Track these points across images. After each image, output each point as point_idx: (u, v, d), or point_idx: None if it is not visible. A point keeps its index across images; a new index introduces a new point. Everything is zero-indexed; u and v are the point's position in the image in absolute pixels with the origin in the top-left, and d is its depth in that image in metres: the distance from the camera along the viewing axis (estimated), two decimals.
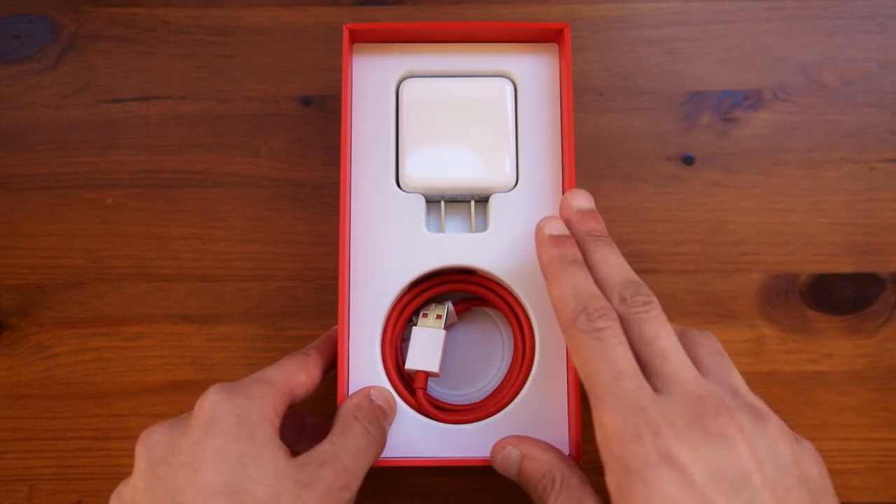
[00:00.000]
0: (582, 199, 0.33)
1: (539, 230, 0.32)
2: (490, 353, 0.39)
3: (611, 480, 0.26)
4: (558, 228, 0.32)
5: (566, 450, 0.35)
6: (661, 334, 0.28)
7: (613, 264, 0.30)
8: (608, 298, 0.29)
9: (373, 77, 0.38)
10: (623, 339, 0.28)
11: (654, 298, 0.29)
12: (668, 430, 0.25)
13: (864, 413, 0.40)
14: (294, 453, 0.29)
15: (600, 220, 0.32)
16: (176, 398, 0.40)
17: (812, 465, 0.27)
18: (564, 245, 0.31)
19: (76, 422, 0.40)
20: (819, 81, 0.42)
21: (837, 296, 0.41)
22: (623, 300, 0.29)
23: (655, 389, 0.27)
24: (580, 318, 0.28)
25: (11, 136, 0.42)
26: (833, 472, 0.39)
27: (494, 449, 0.32)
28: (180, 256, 0.41)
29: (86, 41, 0.43)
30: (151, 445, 0.29)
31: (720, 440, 0.25)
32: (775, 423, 0.27)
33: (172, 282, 0.41)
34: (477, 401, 0.37)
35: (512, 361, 0.37)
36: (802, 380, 0.40)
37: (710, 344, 0.30)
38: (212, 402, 0.29)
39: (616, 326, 0.28)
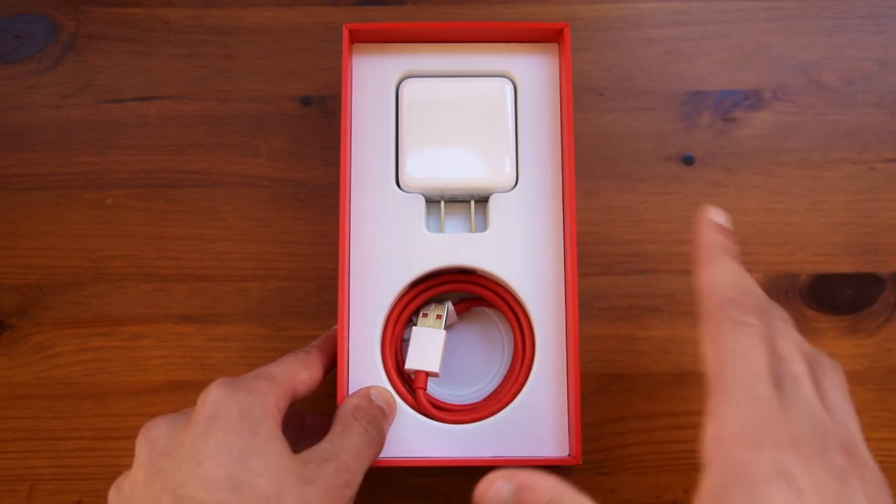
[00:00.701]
0: (721, 217, 0.31)
1: (704, 213, 0.30)
2: (490, 353, 0.39)
3: (710, 479, 0.24)
4: (722, 218, 0.30)
5: (566, 450, 0.35)
6: (799, 357, 0.27)
7: (751, 281, 0.29)
8: None
9: (373, 77, 0.38)
10: (767, 345, 0.26)
11: (792, 321, 0.28)
12: (793, 448, 0.23)
13: (864, 413, 0.39)
14: (294, 452, 0.29)
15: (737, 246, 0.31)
16: (176, 398, 0.40)
17: None
18: (727, 236, 0.29)
19: (76, 422, 0.40)
20: (819, 81, 0.42)
21: (837, 296, 0.41)
22: (766, 310, 0.28)
23: (781, 404, 0.25)
24: (732, 305, 0.26)
25: (11, 136, 0.42)
26: None
27: (481, 485, 0.28)
28: (180, 256, 0.41)
29: (86, 41, 0.43)
30: (153, 439, 0.29)
31: (841, 480, 0.24)
32: (887, 491, 0.25)
33: (172, 282, 0.41)
34: (477, 401, 0.37)
35: (512, 361, 0.37)
36: None
37: (837, 378, 0.28)
38: (215, 397, 0.29)
39: (764, 330, 0.26)
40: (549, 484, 0.27)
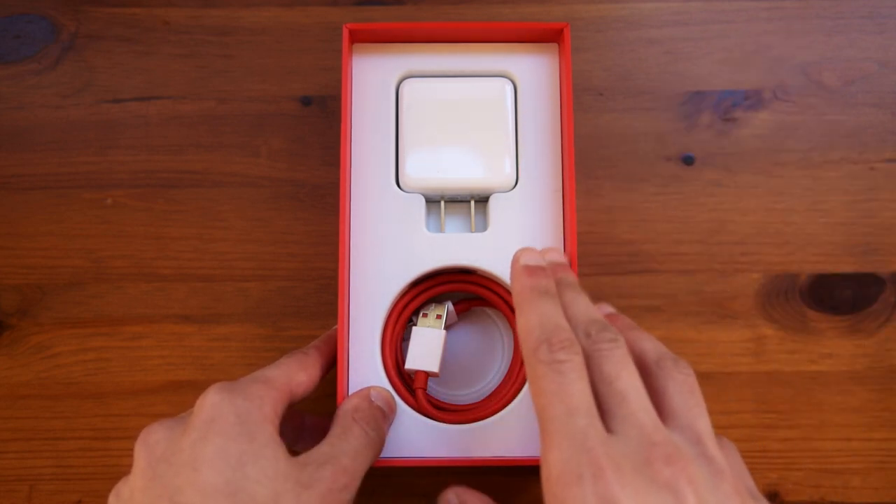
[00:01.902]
0: (555, 254, 0.33)
1: (515, 260, 0.31)
2: (490, 353, 0.39)
3: None
4: (535, 260, 0.31)
5: None
6: (623, 374, 0.27)
7: (581, 305, 0.30)
8: (575, 335, 0.28)
9: (373, 77, 0.38)
10: (584, 374, 0.27)
11: (620, 338, 0.28)
12: (612, 473, 0.24)
13: (863, 413, 0.40)
14: (293, 453, 0.29)
15: (572, 273, 0.32)
16: (176, 398, 0.40)
17: None
18: (539, 275, 0.30)
19: (76, 422, 0.40)
20: (819, 81, 0.42)
21: (837, 296, 0.41)
22: (588, 335, 0.28)
23: (610, 430, 0.26)
24: (542, 347, 0.27)
25: (11, 136, 0.42)
26: (833, 472, 0.39)
27: (438, 500, 0.31)
28: (180, 256, 0.41)
29: (86, 41, 0.43)
30: (151, 444, 0.29)
31: (667, 491, 0.24)
32: (731, 481, 0.26)
33: (172, 282, 0.41)
34: (477, 401, 0.37)
35: (512, 361, 0.37)
36: (802, 380, 0.40)
37: (682, 379, 0.28)
38: (212, 402, 0.29)
39: (578, 361, 0.27)
40: None
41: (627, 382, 0.27)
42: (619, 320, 0.33)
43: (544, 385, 0.26)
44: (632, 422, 0.26)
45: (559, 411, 0.26)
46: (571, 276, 0.32)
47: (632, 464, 0.24)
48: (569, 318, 0.29)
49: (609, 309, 0.35)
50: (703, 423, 0.27)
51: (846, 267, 0.41)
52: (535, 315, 0.28)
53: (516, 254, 0.31)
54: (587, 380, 0.27)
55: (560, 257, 0.33)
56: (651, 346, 0.30)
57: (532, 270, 0.30)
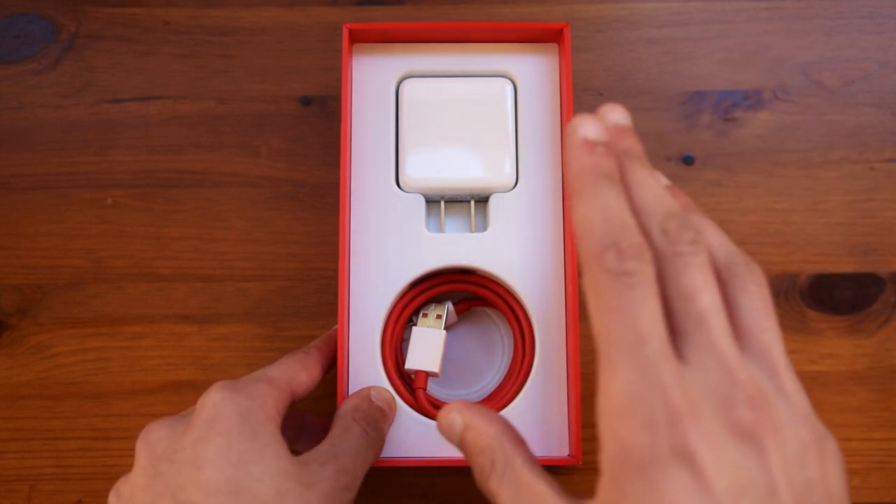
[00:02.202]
0: (618, 114, 0.26)
1: (571, 131, 0.24)
2: (490, 353, 0.39)
3: (605, 463, 0.22)
4: (595, 132, 0.24)
5: (566, 450, 0.35)
6: (705, 290, 0.23)
7: (653, 189, 0.24)
8: (646, 230, 0.23)
9: (373, 77, 0.38)
10: (655, 290, 0.22)
11: (701, 241, 0.23)
12: (690, 420, 0.21)
13: (864, 413, 0.40)
14: (293, 452, 0.29)
15: (638, 141, 0.26)
16: (176, 398, 0.40)
17: (838, 476, 0.23)
18: (601, 154, 0.24)
19: (76, 422, 0.40)
20: (819, 81, 0.42)
21: (837, 296, 0.41)
22: (665, 233, 0.23)
23: (682, 356, 0.22)
24: (609, 253, 0.22)
25: (11, 136, 0.42)
26: None
27: (440, 414, 0.27)
28: (180, 256, 0.41)
29: (86, 41, 0.43)
30: (152, 442, 0.28)
31: (749, 443, 0.21)
32: (810, 424, 0.23)
33: (172, 282, 0.41)
34: (477, 401, 0.37)
35: (512, 361, 0.37)
36: (802, 380, 0.39)
37: (756, 292, 0.24)
38: (214, 401, 0.29)
39: (650, 273, 0.22)
40: (491, 430, 0.26)
41: (709, 301, 0.23)
42: (678, 198, 0.27)
43: (610, 300, 0.22)
44: (711, 351, 0.22)
45: (627, 336, 0.22)
46: (637, 146, 0.25)
47: (711, 405, 0.21)
48: (637, 207, 0.24)
49: (663, 180, 0.27)
50: (779, 349, 0.24)
51: (846, 267, 0.41)
52: (598, 208, 0.23)
53: (573, 122, 0.25)
54: (659, 295, 0.22)
55: (623, 118, 0.26)
56: (719, 241, 0.25)
57: (592, 147, 0.24)
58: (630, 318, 0.22)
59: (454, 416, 0.27)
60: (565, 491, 0.24)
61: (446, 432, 0.27)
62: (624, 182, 0.24)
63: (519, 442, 0.26)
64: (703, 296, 0.22)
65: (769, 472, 0.21)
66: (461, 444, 0.27)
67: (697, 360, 0.22)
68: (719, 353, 0.22)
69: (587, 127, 0.24)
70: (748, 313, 0.24)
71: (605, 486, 0.22)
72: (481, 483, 0.26)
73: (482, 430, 0.26)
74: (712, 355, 0.22)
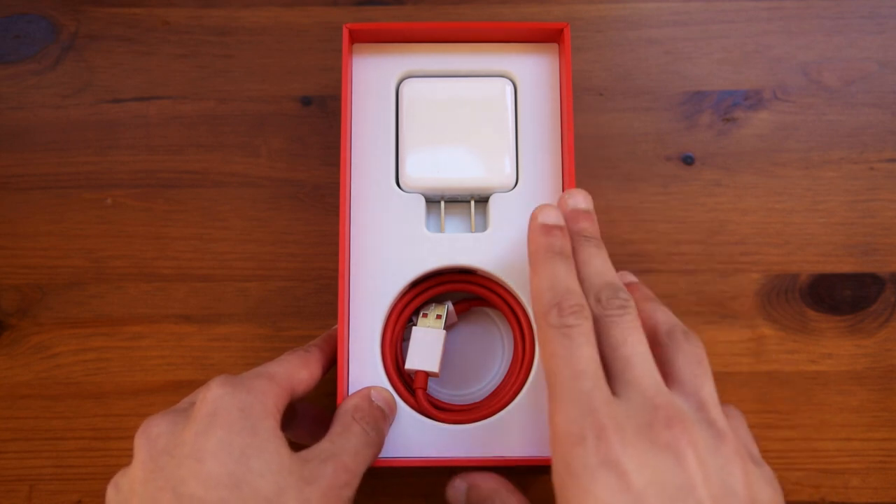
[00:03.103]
0: (579, 199, 0.32)
1: (533, 217, 0.31)
2: (490, 353, 0.39)
3: (555, 481, 0.26)
4: (553, 218, 0.31)
5: None
6: (630, 339, 0.28)
7: (597, 265, 0.30)
8: (586, 298, 0.29)
9: (373, 77, 0.38)
10: (591, 339, 0.27)
11: (630, 304, 0.29)
12: (614, 434, 0.25)
13: (864, 413, 0.40)
14: (288, 442, 0.29)
15: (594, 222, 0.32)
16: (176, 398, 0.39)
17: (765, 491, 0.27)
18: (554, 235, 0.30)
19: (76, 422, 0.40)
20: (819, 81, 0.42)
21: (837, 296, 0.41)
22: (598, 301, 0.29)
23: (615, 394, 0.27)
24: (552, 311, 0.28)
25: (11, 136, 0.42)
26: (833, 472, 0.39)
27: (448, 486, 0.33)
28: (180, 256, 0.41)
29: (86, 41, 0.43)
30: (153, 437, 0.29)
31: (667, 451, 0.25)
32: (732, 444, 0.26)
33: (172, 282, 0.41)
34: (477, 401, 0.37)
35: (512, 361, 0.37)
36: (802, 380, 0.40)
37: (690, 350, 0.29)
38: (215, 395, 0.29)
39: (587, 326, 0.27)
40: (490, 483, 0.32)
41: (633, 348, 0.27)
42: (637, 290, 0.33)
43: (553, 349, 0.27)
44: (635, 385, 0.26)
45: (566, 375, 0.26)
46: (591, 227, 0.32)
47: (634, 426, 0.25)
48: (582, 279, 0.29)
49: (631, 278, 0.35)
50: (708, 390, 0.28)
51: (846, 267, 0.41)
52: (548, 277, 0.29)
53: (535, 211, 0.31)
54: (595, 345, 0.27)
55: (584, 203, 0.32)
56: (665, 318, 0.31)
57: (548, 229, 0.31)
58: (569, 360, 0.27)
59: (458, 482, 0.32)
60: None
61: (453, 499, 0.33)
62: (575, 258, 0.30)
63: (512, 489, 0.32)
64: (628, 344, 0.27)
65: (687, 473, 0.25)
66: (468, 502, 0.32)
67: (625, 393, 0.26)
68: (642, 387, 0.26)
69: (546, 214, 0.31)
70: (683, 367, 0.29)
71: (557, 501, 0.26)
72: None
73: (483, 485, 0.32)
74: (636, 388, 0.26)
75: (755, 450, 0.29)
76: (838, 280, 0.41)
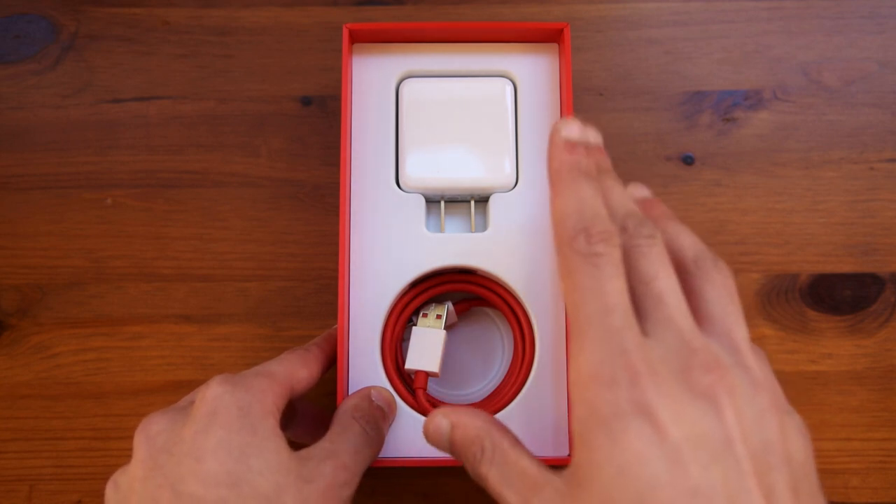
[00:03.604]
0: (592, 134, 0.29)
1: (555, 132, 0.28)
2: (490, 353, 0.39)
3: (575, 426, 0.24)
4: (578, 133, 0.28)
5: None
6: (661, 274, 0.25)
7: (618, 194, 0.27)
8: None
9: (373, 77, 0.38)
10: (621, 270, 0.25)
11: (658, 234, 0.26)
12: (649, 379, 0.23)
13: (864, 413, 0.40)
14: (287, 441, 0.29)
15: (607, 157, 0.29)
16: (176, 398, 0.39)
17: (799, 445, 0.25)
18: (580, 153, 0.27)
19: (76, 422, 0.40)
20: (819, 81, 0.43)
21: (837, 296, 0.41)
22: (625, 229, 0.26)
23: (645, 333, 0.24)
24: (579, 237, 0.25)
25: (11, 136, 0.42)
26: (833, 472, 0.39)
27: (426, 421, 0.29)
28: (180, 256, 0.41)
29: (86, 41, 0.43)
30: (152, 435, 0.29)
31: (705, 401, 0.23)
32: (769, 393, 0.25)
33: (172, 282, 0.41)
34: (477, 401, 0.37)
35: (512, 361, 0.37)
36: (802, 380, 0.40)
37: (721, 281, 0.27)
38: (214, 394, 0.29)
39: (616, 255, 0.25)
40: (477, 422, 0.28)
41: (665, 283, 0.25)
42: (656, 207, 0.30)
43: (580, 279, 0.25)
44: (669, 325, 0.24)
45: (594, 309, 0.24)
46: (607, 161, 0.28)
47: (669, 370, 0.23)
48: (605, 207, 0.26)
49: (644, 192, 0.31)
50: (741, 331, 0.26)
51: (846, 267, 0.41)
52: (574, 198, 0.26)
53: (556, 125, 0.28)
54: (624, 277, 0.25)
55: (597, 138, 0.29)
56: (689, 241, 0.28)
57: (573, 147, 0.27)
58: (597, 293, 0.24)
59: (440, 419, 0.29)
60: (545, 465, 0.26)
61: (434, 436, 0.29)
62: None
63: (503, 428, 0.28)
64: (659, 279, 0.25)
65: (725, 426, 0.22)
66: (451, 443, 0.28)
67: (657, 333, 0.24)
68: (676, 327, 0.24)
69: (570, 128, 0.28)
70: (713, 301, 0.26)
71: (575, 448, 0.24)
72: (474, 469, 0.27)
73: (470, 423, 0.28)
74: (670, 328, 0.24)
75: (783, 397, 0.27)
76: (838, 280, 0.41)
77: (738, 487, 0.22)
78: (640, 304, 0.25)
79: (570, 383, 0.24)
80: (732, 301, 0.26)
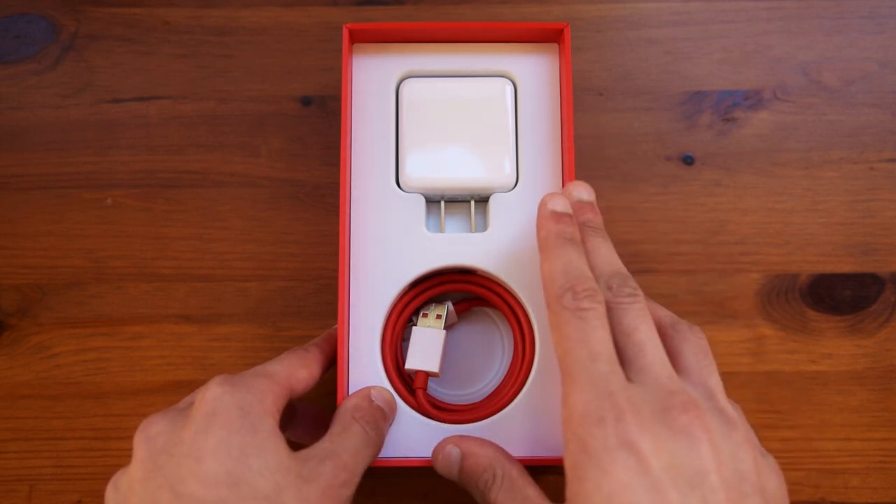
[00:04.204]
0: (582, 191, 0.33)
1: (542, 205, 0.32)
2: (490, 353, 0.39)
3: (568, 461, 0.26)
4: (562, 206, 0.32)
5: None
6: (641, 327, 0.28)
7: (604, 254, 0.31)
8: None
9: (373, 77, 0.38)
10: (605, 323, 0.28)
11: (639, 293, 0.29)
12: (632, 418, 0.25)
13: (864, 413, 0.40)
14: (287, 441, 0.29)
15: (598, 214, 0.33)
16: (176, 398, 0.39)
17: (772, 479, 0.28)
18: (565, 222, 0.31)
19: (76, 422, 0.40)
20: (819, 81, 0.42)
21: (837, 296, 0.41)
22: (609, 288, 0.29)
23: (629, 378, 0.27)
24: (566, 295, 0.28)
25: (11, 136, 0.42)
26: (833, 472, 0.39)
27: (435, 450, 0.32)
28: (180, 256, 0.41)
29: (86, 41, 0.43)
30: (152, 436, 0.29)
31: (683, 436, 0.25)
32: (742, 432, 0.27)
33: (172, 282, 0.41)
34: (477, 401, 0.37)
35: (512, 361, 0.37)
36: (802, 380, 0.40)
37: (696, 341, 0.30)
38: (214, 395, 0.29)
39: (600, 309, 0.28)
40: (489, 452, 0.31)
41: (645, 335, 0.28)
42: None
43: (568, 331, 0.27)
44: (649, 372, 0.27)
45: (582, 356, 0.27)
46: (596, 219, 0.32)
47: (650, 410, 0.26)
48: (591, 267, 0.30)
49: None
50: (715, 381, 0.29)
51: (846, 267, 0.41)
52: (560, 262, 0.29)
53: (544, 198, 0.32)
54: (609, 329, 0.28)
55: (587, 194, 0.33)
56: (665, 312, 0.32)
57: (559, 217, 0.31)
58: (584, 342, 0.27)
59: (450, 448, 0.32)
60: (546, 496, 0.30)
61: (443, 464, 0.32)
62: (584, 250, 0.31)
63: (510, 457, 0.31)
64: (641, 331, 0.28)
65: (701, 458, 0.25)
66: (460, 472, 0.32)
67: (639, 379, 0.27)
68: (656, 373, 0.27)
69: (556, 202, 0.31)
70: (689, 356, 0.29)
71: (568, 482, 0.26)
72: (483, 496, 0.31)
73: (481, 452, 0.31)
74: (651, 374, 0.27)
75: (755, 437, 0.30)
76: (838, 280, 0.41)
77: None
78: (623, 353, 0.28)
79: (563, 421, 0.27)
80: (707, 356, 0.30)
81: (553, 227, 0.31)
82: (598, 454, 0.25)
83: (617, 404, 0.25)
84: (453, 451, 0.32)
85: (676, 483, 0.24)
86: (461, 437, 0.32)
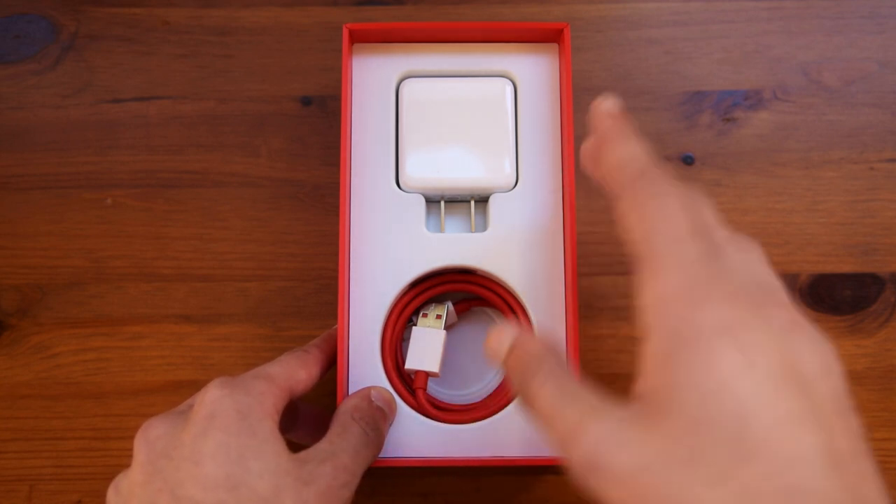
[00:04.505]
0: (611, 104, 0.30)
1: (598, 104, 0.29)
2: None
3: (653, 349, 0.23)
4: (617, 107, 0.29)
5: None
6: (720, 224, 0.27)
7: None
8: None
9: (373, 77, 0.38)
10: (687, 204, 0.26)
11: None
12: (732, 305, 0.23)
13: (864, 413, 0.39)
14: (288, 444, 0.29)
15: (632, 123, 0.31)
16: (176, 398, 0.40)
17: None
18: (623, 119, 0.29)
19: (76, 422, 0.40)
20: (819, 81, 0.42)
21: (837, 296, 0.41)
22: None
23: (720, 265, 0.24)
24: (648, 175, 0.26)
25: (11, 136, 0.42)
26: None
27: (492, 335, 0.28)
28: (180, 256, 0.41)
29: (86, 41, 0.43)
30: (151, 439, 0.29)
31: (782, 332, 0.23)
32: (833, 352, 0.24)
33: (172, 282, 0.41)
34: (477, 401, 0.37)
35: None
36: None
37: (757, 252, 0.27)
38: (213, 397, 0.29)
39: (682, 190, 0.26)
40: (542, 343, 0.28)
41: (726, 233, 0.27)
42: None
43: (651, 210, 0.25)
44: (737, 264, 0.25)
45: (671, 236, 0.25)
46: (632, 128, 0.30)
47: (747, 300, 0.23)
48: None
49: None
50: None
51: (846, 267, 0.41)
52: (635, 147, 0.27)
53: (597, 100, 0.29)
54: (693, 211, 0.26)
55: (615, 108, 0.30)
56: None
57: (618, 115, 0.29)
58: (672, 222, 0.25)
59: (507, 331, 0.28)
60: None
61: (494, 346, 0.28)
62: None
63: (564, 357, 0.27)
64: (721, 229, 0.26)
65: (804, 361, 0.22)
66: (509, 353, 0.28)
67: (728, 267, 0.24)
68: (748, 266, 0.25)
69: (609, 102, 0.29)
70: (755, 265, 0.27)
71: (649, 374, 0.23)
72: (525, 384, 0.26)
73: (532, 340, 0.28)
74: (741, 266, 0.25)
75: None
76: (838, 280, 0.41)
77: (821, 417, 0.22)
78: (706, 241, 0.25)
79: (646, 309, 0.24)
80: (771, 270, 0.27)
81: (610, 122, 0.28)
82: (697, 338, 0.22)
83: (713, 289, 0.23)
84: (507, 334, 0.28)
85: (786, 384, 0.22)
86: (517, 330, 0.29)
